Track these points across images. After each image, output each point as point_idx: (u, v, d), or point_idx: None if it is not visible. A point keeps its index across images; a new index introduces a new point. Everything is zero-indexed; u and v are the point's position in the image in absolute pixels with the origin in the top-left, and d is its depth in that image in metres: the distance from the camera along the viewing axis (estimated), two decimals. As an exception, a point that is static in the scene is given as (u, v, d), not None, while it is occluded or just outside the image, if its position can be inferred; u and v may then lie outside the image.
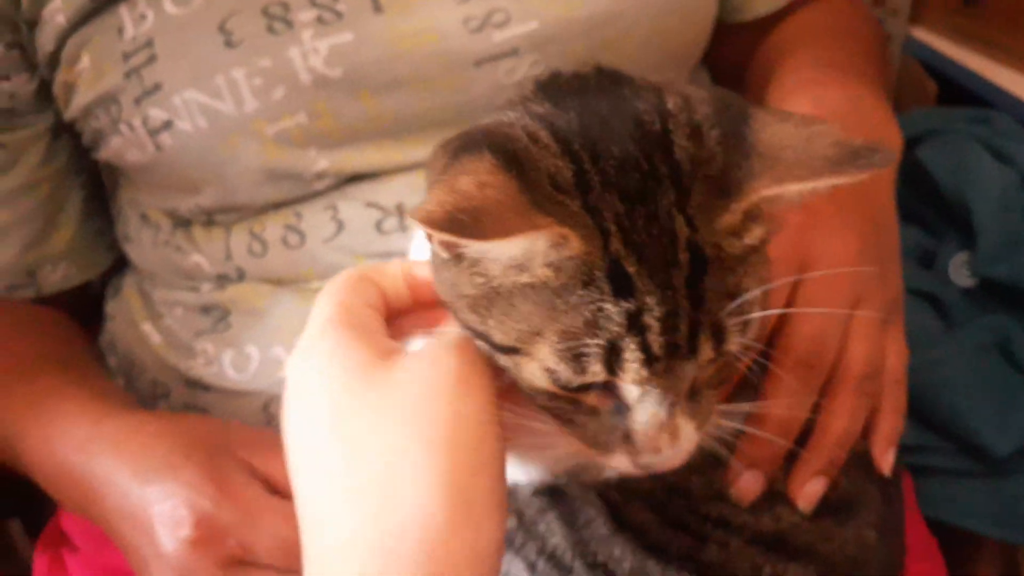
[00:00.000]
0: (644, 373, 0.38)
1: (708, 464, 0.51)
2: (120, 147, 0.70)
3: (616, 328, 0.37)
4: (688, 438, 0.41)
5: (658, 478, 0.51)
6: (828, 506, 0.53)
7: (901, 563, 0.59)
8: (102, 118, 0.69)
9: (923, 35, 1.19)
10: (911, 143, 1.01)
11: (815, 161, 0.38)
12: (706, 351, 0.39)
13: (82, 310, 0.84)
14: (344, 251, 0.68)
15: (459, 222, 0.36)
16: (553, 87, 0.45)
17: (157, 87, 0.65)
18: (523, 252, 0.38)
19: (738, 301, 0.39)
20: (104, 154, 0.72)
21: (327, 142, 0.66)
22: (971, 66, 1.10)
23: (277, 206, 0.69)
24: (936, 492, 0.87)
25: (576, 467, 0.52)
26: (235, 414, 0.71)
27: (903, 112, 1.20)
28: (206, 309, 0.72)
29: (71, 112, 0.71)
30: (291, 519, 0.43)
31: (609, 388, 0.40)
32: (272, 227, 0.69)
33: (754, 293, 0.39)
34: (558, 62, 0.67)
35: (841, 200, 0.58)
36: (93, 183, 0.79)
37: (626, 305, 0.37)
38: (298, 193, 0.68)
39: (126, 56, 0.66)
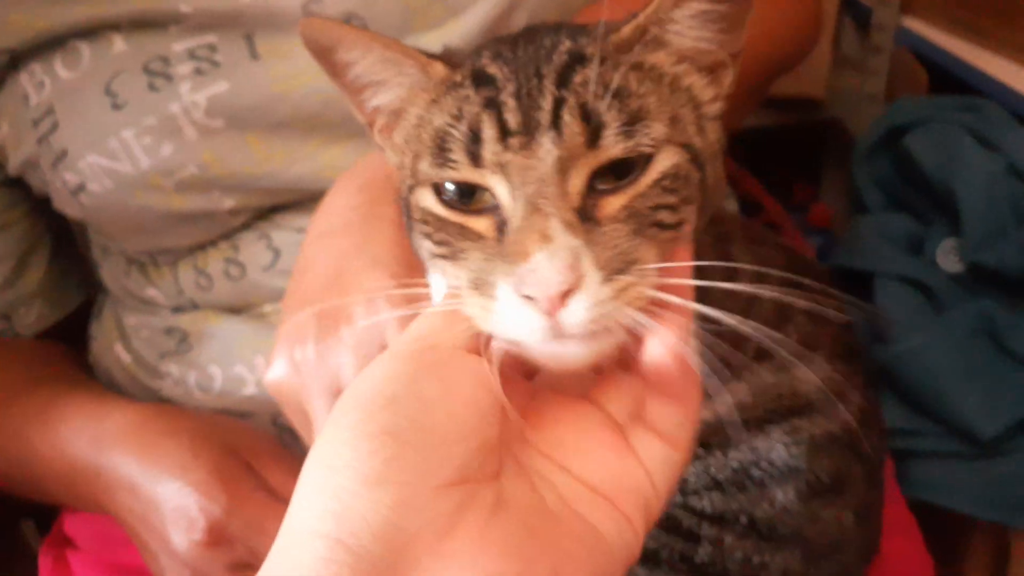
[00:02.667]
0: (499, 149, 0.39)
1: (704, 451, 0.52)
2: (59, 204, 0.72)
3: (474, 110, 0.40)
4: (588, 271, 0.37)
5: None
6: (819, 488, 0.54)
7: (876, 546, 0.60)
8: (34, 180, 0.72)
9: (915, 24, 1.19)
10: (901, 131, 1.02)
11: None
12: (572, 128, 0.38)
13: (69, 336, 0.85)
14: (285, 276, 0.68)
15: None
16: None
17: (64, 153, 0.67)
18: (406, 78, 0.44)
19: (613, 88, 0.39)
20: (55, 207, 0.74)
21: (226, 184, 0.67)
22: (962, 55, 1.11)
23: (213, 242, 0.71)
24: (925, 475, 0.88)
25: None
26: None
27: (894, 100, 1.21)
28: (168, 331, 0.74)
29: (12, 171, 0.72)
30: None
31: (495, 214, 0.40)
32: (214, 262, 0.71)
33: (648, 110, 0.40)
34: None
35: None
36: (61, 222, 0.80)
37: (484, 92, 0.40)
38: (221, 230, 0.70)
39: (35, 123, 0.67)
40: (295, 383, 0.51)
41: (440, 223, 0.41)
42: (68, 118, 0.66)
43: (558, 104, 0.39)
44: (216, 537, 0.60)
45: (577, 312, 0.36)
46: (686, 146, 0.40)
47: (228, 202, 0.68)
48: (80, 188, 0.68)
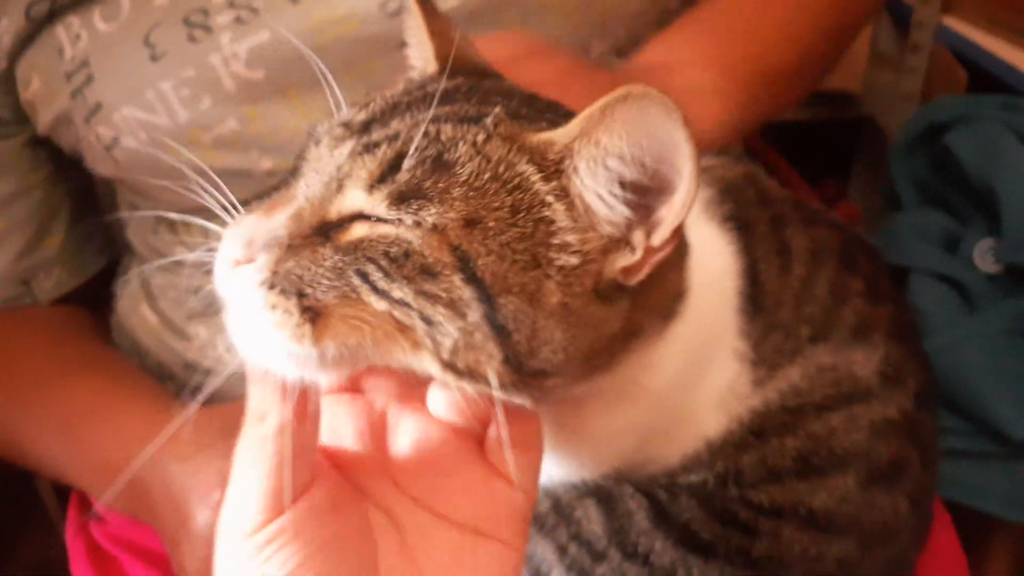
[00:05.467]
0: (326, 128, 0.40)
1: (759, 441, 0.51)
2: (91, 161, 0.71)
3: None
4: (261, 261, 0.37)
5: (710, 465, 0.51)
6: (878, 474, 0.53)
7: (928, 532, 0.60)
8: (66, 136, 0.71)
9: (955, 23, 1.19)
10: (940, 129, 1.01)
11: None
12: (373, 157, 0.37)
13: (89, 293, 0.84)
14: None
15: None
16: None
17: (99, 106, 0.66)
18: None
19: (438, 159, 0.37)
20: (87, 166, 0.73)
21: (265, 145, 0.66)
22: (1002, 55, 1.10)
23: (247, 202, 0.70)
24: (952, 473, 0.88)
25: (621, 468, 0.52)
26: (236, 397, 0.72)
27: (930, 99, 1.21)
28: (196, 292, 0.72)
29: (41, 129, 0.72)
30: None
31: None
32: None
33: (442, 198, 0.37)
34: (491, 32, 0.68)
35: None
36: (82, 187, 0.80)
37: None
38: (259, 189, 0.69)
39: (68, 76, 0.66)
40: None
41: None
42: (104, 70, 0.65)
43: (393, 136, 0.37)
44: None
45: (236, 279, 0.37)
46: (456, 249, 0.35)
47: (266, 163, 0.67)
48: (114, 143, 0.67)
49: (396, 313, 0.36)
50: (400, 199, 0.35)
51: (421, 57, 0.46)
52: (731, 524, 0.51)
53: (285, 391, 0.37)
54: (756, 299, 0.51)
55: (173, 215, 0.72)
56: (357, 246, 0.36)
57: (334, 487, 0.39)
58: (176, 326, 0.74)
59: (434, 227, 0.35)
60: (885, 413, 0.54)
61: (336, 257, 0.36)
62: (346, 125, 0.39)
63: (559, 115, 0.41)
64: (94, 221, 0.82)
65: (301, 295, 0.35)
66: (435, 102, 0.38)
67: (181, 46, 0.64)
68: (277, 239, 0.36)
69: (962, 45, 1.16)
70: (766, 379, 0.51)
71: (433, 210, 0.35)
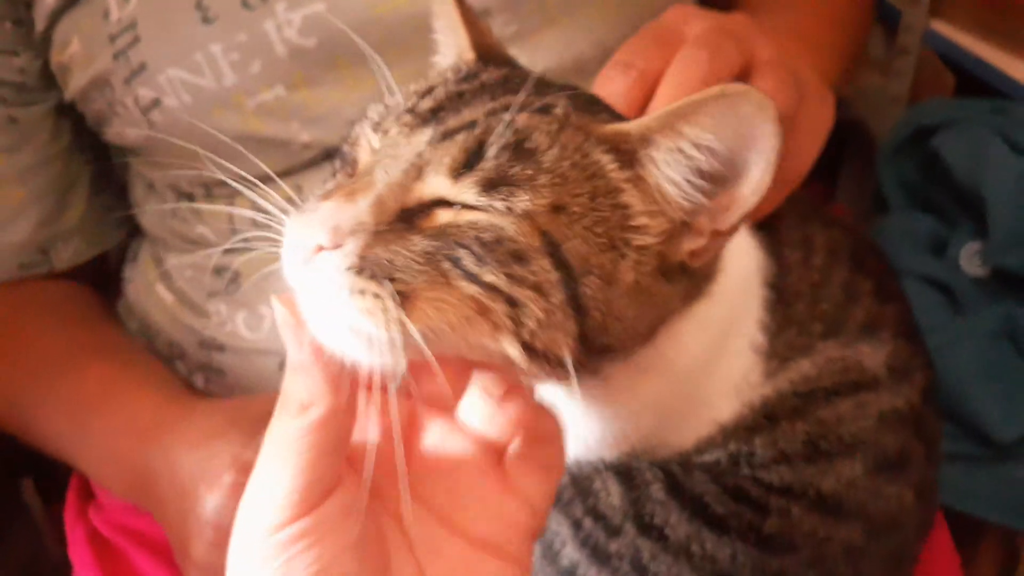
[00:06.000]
0: (396, 117, 0.42)
1: (770, 423, 0.52)
2: (120, 127, 0.72)
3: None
4: (349, 246, 0.37)
5: (724, 445, 0.52)
6: (884, 463, 0.54)
7: (931, 525, 0.60)
8: (99, 100, 0.71)
9: (943, 27, 1.19)
10: (927, 132, 1.02)
11: None
12: (454, 144, 0.39)
13: (97, 278, 0.85)
14: None
15: None
16: None
17: (143, 67, 0.67)
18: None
19: (521, 146, 0.39)
20: (108, 135, 0.74)
21: (307, 116, 0.67)
22: (990, 59, 1.10)
23: (276, 177, 0.70)
24: (940, 476, 0.88)
25: (638, 448, 0.52)
26: (251, 374, 0.72)
27: (917, 102, 1.21)
28: (218, 271, 0.73)
29: (70, 94, 0.72)
30: None
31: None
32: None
33: (530, 184, 0.39)
34: (533, 21, 0.68)
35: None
36: (101, 159, 0.81)
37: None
38: (292, 162, 0.69)
39: (112, 38, 0.67)
40: None
41: None
42: (152, 32, 0.66)
43: (469, 124, 0.38)
44: (246, 476, 0.59)
45: (320, 265, 0.36)
46: (545, 234, 0.37)
47: (305, 135, 0.67)
48: (154, 104, 0.68)
49: (482, 297, 0.36)
50: (489, 186, 0.37)
51: (450, 44, 0.48)
52: (743, 500, 0.51)
53: (338, 382, 0.36)
54: (780, 295, 0.53)
55: (200, 205, 0.72)
56: (444, 231, 0.37)
57: (355, 488, 0.38)
58: (195, 304, 0.74)
59: (525, 213, 0.36)
60: (893, 403, 0.55)
61: (426, 243, 0.36)
62: (412, 112, 0.40)
63: (606, 108, 0.44)
64: (113, 194, 0.83)
65: (392, 280, 0.36)
66: (501, 92, 0.40)
67: (235, 11, 0.65)
68: (363, 224, 0.37)
69: (950, 49, 1.17)
70: (777, 371, 0.53)
71: (524, 197, 0.37)
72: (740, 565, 0.50)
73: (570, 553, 0.51)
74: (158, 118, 0.68)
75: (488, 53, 0.47)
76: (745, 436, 0.52)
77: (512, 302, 0.37)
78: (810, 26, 0.74)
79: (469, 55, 0.47)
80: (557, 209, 0.37)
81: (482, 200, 0.37)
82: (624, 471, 0.52)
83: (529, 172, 0.37)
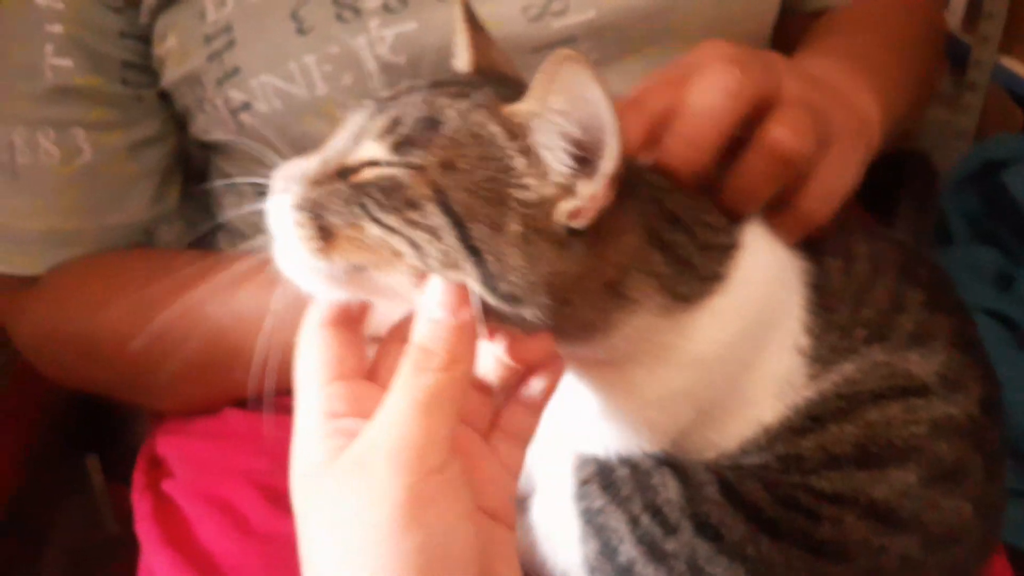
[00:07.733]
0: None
1: (817, 426, 0.52)
2: (205, 124, 0.74)
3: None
4: (294, 191, 0.45)
5: (769, 447, 0.52)
6: (939, 473, 0.52)
7: (994, 544, 0.58)
8: (188, 96, 0.73)
9: (1012, 64, 1.19)
10: (995, 166, 1.01)
11: None
12: (383, 118, 0.46)
13: None
14: None
15: None
16: None
17: (236, 70, 0.68)
18: None
19: (428, 119, 0.46)
20: (193, 130, 0.76)
21: None
22: (1059, 98, 1.10)
23: None
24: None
25: (679, 443, 0.53)
26: None
27: (983, 137, 1.21)
28: None
29: (165, 84, 0.75)
30: None
31: None
32: None
33: (425, 145, 0.45)
34: (615, 49, 0.70)
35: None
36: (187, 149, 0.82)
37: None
38: None
39: (208, 39, 0.69)
40: None
41: None
42: (248, 37, 0.68)
43: (403, 104, 0.46)
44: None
45: (276, 206, 0.45)
46: (433, 184, 0.44)
47: None
48: (244, 106, 0.70)
49: (388, 239, 0.44)
50: (398, 147, 0.44)
51: (460, 67, 0.54)
52: (794, 508, 0.51)
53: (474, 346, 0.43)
54: (822, 297, 0.53)
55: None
56: (362, 183, 0.44)
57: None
58: None
59: (419, 167, 0.44)
60: (947, 411, 0.53)
61: (348, 191, 0.44)
62: (374, 99, 0.48)
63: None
64: (196, 183, 0.84)
65: (318, 216, 0.44)
66: (438, 83, 0.48)
67: (329, 24, 0.67)
68: (306, 175, 0.45)
69: (1018, 85, 1.17)
70: (821, 373, 0.52)
71: (419, 154, 0.44)
72: (796, 571, 0.50)
73: (627, 550, 0.51)
74: (247, 120, 0.70)
75: (488, 69, 0.53)
76: (791, 438, 0.52)
77: (413, 244, 0.43)
78: (876, 53, 0.74)
79: (467, 70, 0.52)
80: (446, 166, 0.44)
81: (392, 157, 0.44)
82: (680, 468, 0.52)
83: (430, 137, 0.44)
